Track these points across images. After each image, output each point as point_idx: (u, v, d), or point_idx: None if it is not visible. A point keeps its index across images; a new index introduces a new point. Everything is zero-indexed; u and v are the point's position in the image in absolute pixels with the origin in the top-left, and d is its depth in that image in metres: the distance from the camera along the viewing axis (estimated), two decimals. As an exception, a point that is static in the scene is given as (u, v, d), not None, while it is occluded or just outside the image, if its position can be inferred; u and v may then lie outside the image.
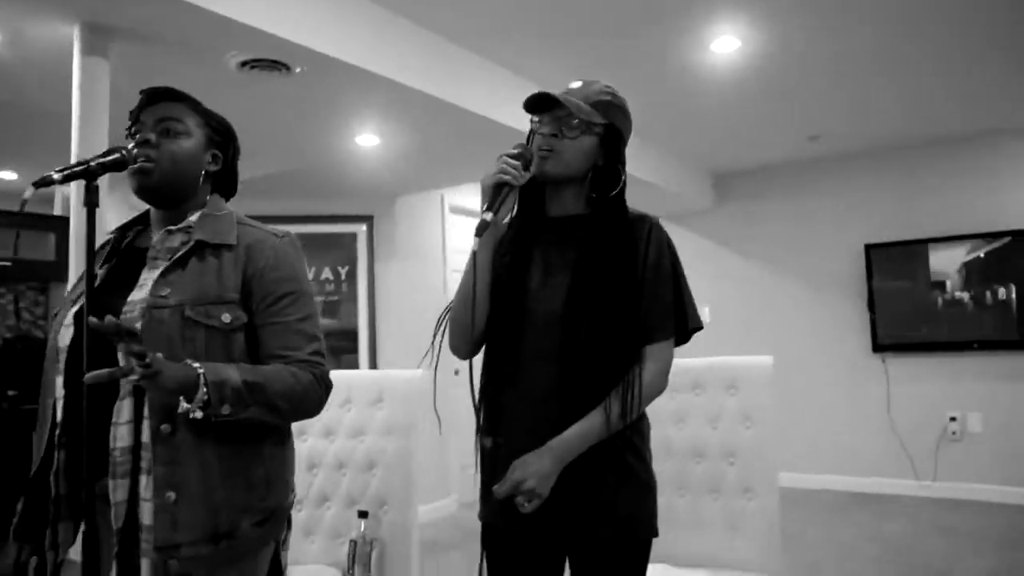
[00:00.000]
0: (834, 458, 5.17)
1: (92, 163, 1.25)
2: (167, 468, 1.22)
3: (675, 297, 1.38)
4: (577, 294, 1.34)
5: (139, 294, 1.30)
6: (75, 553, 1.54)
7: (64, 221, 5.26)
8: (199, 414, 1.19)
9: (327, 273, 4.71)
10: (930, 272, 4.94)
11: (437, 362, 1.37)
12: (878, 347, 5.06)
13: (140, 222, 1.50)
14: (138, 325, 1.26)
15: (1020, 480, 4.61)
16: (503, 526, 1.41)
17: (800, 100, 4.03)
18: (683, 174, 5.23)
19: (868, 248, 5.10)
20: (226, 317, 1.30)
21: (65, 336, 1.34)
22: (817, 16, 2.94)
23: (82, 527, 1.28)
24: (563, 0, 2.71)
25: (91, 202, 1.24)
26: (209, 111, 1.49)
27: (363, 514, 2.12)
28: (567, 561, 1.42)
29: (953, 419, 4.84)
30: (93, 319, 1.10)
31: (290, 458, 1.44)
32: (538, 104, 1.38)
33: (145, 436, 1.23)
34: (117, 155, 1.30)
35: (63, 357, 1.33)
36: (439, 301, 5.07)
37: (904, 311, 5.00)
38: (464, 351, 1.45)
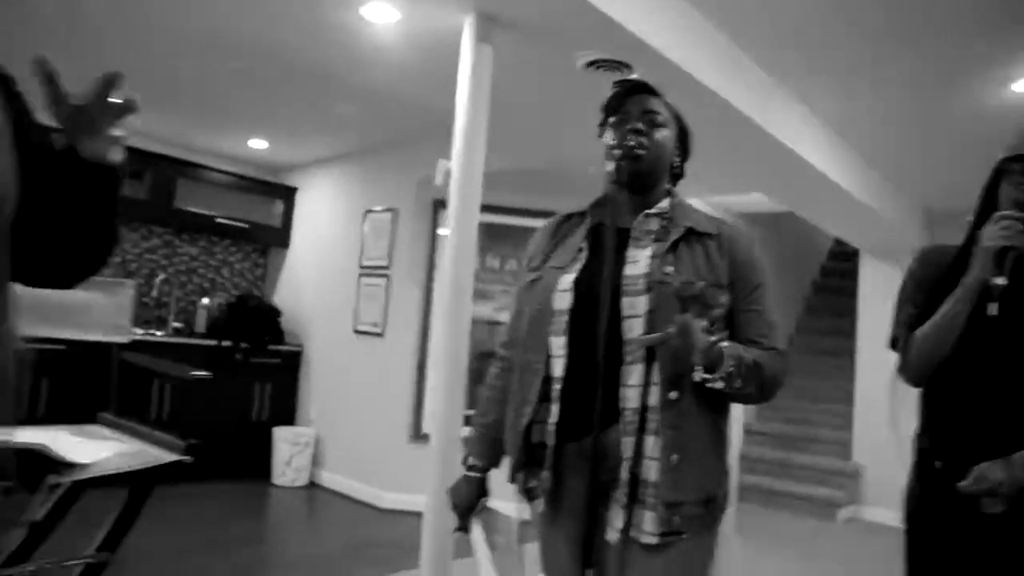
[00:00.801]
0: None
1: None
2: (673, 432, 1.30)
3: None
4: None
5: (635, 269, 1.38)
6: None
7: (291, 191, 5.68)
8: (720, 385, 1.28)
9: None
10: None
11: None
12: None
13: (598, 204, 1.60)
14: (644, 299, 1.36)
15: None
16: (941, 528, 1.56)
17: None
18: (890, 197, 4.99)
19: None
20: (723, 299, 1.38)
21: (563, 300, 1.44)
22: None
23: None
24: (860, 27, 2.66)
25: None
26: (675, 108, 1.58)
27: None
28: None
29: None
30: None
31: None
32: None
33: (653, 400, 1.31)
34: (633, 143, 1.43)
35: (563, 319, 1.43)
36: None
37: None
38: (923, 380, 1.62)
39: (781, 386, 1.42)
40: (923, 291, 1.65)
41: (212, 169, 5.25)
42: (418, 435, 4.62)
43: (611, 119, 1.54)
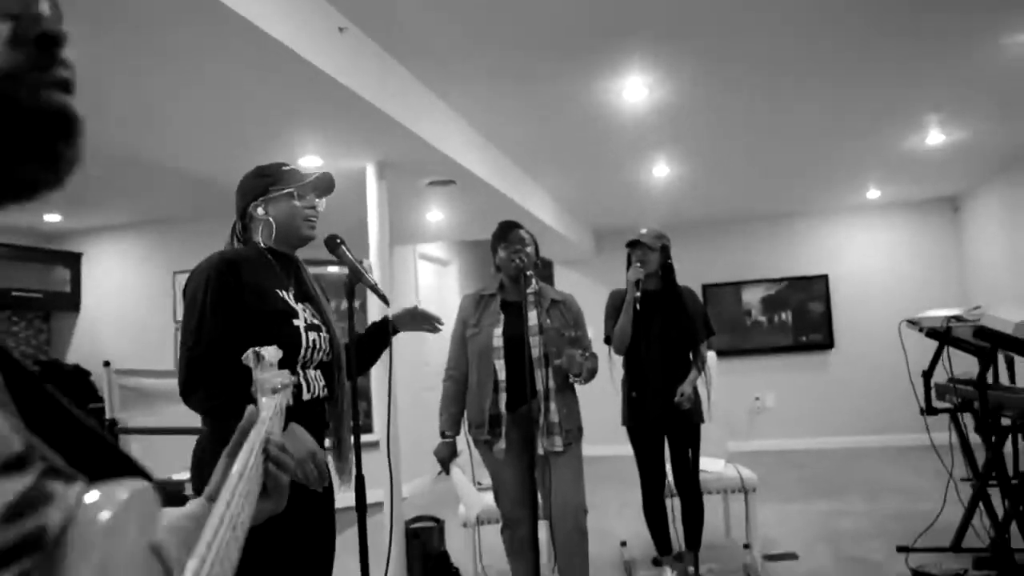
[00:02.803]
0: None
1: None
2: (561, 398, 2.94)
3: (705, 323, 3.40)
4: (671, 325, 3.34)
5: (532, 321, 2.99)
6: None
7: (76, 257, 5.92)
8: (579, 380, 2.92)
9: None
10: (742, 303, 7.50)
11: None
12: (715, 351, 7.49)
13: (500, 287, 3.14)
14: (538, 338, 2.96)
15: (801, 433, 7.30)
16: (642, 425, 3.34)
17: (672, 186, 6.24)
18: (574, 227, 7.21)
19: (704, 287, 7.55)
20: (572, 333, 3.04)
21: (499, 341, 2.98)
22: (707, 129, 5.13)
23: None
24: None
25: None
26: (531, 233, 3.16)
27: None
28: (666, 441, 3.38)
29: (757, 398, 7.42)
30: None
31: None
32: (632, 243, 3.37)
33: (552, 385, 2.92)
34: None
35: (500, 351, 2.96)
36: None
37: (726, 328, 7.48)
38: (623, 352, 3.44)
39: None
40: (614, 311, 3.50)
41: (-7, 244, 5.31)
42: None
43: (502, 243, 3.07)
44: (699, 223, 7.72)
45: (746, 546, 3.45)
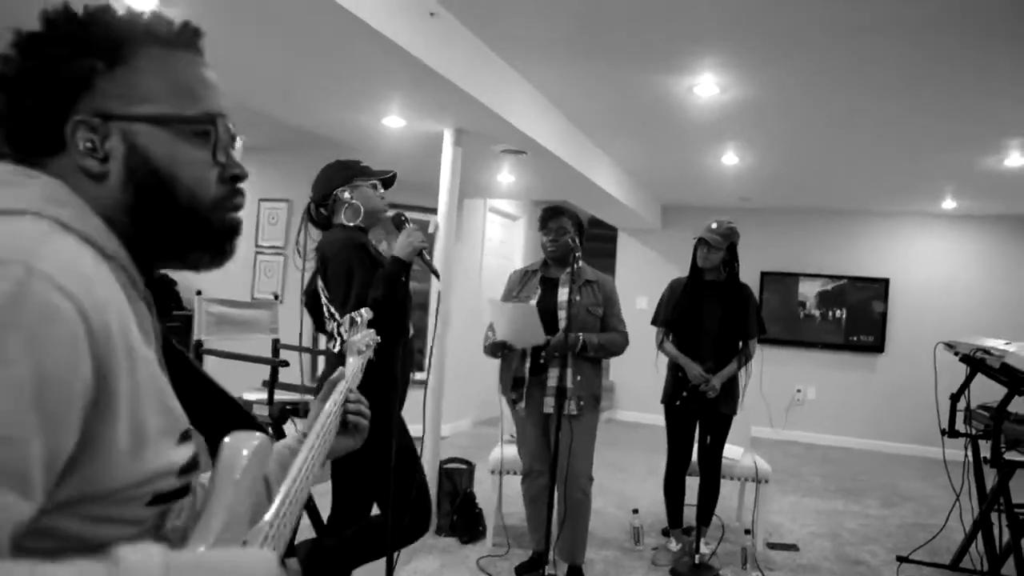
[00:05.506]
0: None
1: None
2: (576, 367, 3.19)
3: (758, 321, 3.55)
4: (726, 318, 3.52)
5: (562, 297, 3.23)
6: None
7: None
8: (591, 353, 3.18)
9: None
10: (798, 295, 7.53)
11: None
12: (760, 340, 7.57)
13: (543, 265, 3.39)
14: (565, 312, 3.20)
15: (835, 431, 7.38)
16: (680, 404, 3.55)
17: (741, 174, 6.27)
18: (641, 199, 7.30)
19: (763, 274, 7.59)
20: (601, 311, 3.28)
21: None
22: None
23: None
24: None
25: None
26: (575, 216, 3.38)
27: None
28: (697, 424, 3.57)
29: (799, 390, 7.51)
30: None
31: None
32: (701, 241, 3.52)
33: (569, 356, 3.17)
34: None
35: None
36: (477, 280, 6.89)
37: (778, 318, 7.54)
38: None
39: (624, 348, 3.32)
40: (669, 300, 3.71)
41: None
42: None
43: (543, 230, 3.31)
44: (764, 210, 7.71)
45: (747, 531, 3.68)
